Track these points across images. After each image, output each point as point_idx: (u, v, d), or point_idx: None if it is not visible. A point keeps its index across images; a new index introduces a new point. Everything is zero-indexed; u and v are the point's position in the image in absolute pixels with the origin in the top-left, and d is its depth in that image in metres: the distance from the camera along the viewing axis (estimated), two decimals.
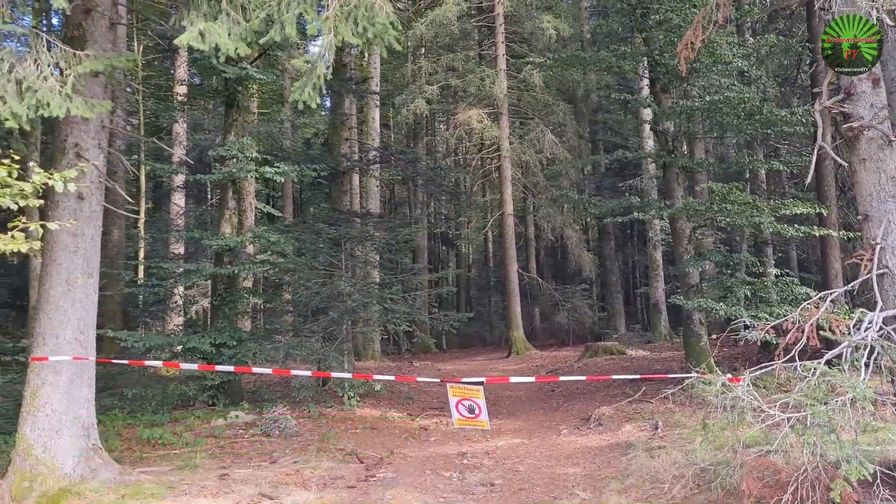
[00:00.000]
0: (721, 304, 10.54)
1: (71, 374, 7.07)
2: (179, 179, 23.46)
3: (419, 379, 7.48)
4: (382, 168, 19.12)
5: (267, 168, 13.32)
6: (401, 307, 12.90)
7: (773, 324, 6.13)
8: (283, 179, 13.34)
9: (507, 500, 6.86)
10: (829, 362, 5.53)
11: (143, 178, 26.08)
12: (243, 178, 14.27)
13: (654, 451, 7.66)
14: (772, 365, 5.73)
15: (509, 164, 24.51)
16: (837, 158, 7.14)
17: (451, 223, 38.67)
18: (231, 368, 9.36)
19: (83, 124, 7.24)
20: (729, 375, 5.74)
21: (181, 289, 18.13)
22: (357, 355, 21.64)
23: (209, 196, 25.78)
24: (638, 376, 11.56)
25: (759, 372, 5.82)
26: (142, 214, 25.27)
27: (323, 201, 18.91)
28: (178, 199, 24.41)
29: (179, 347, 13.22)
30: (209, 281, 14.28)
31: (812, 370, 5.30)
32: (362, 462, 8.59)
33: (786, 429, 5.17)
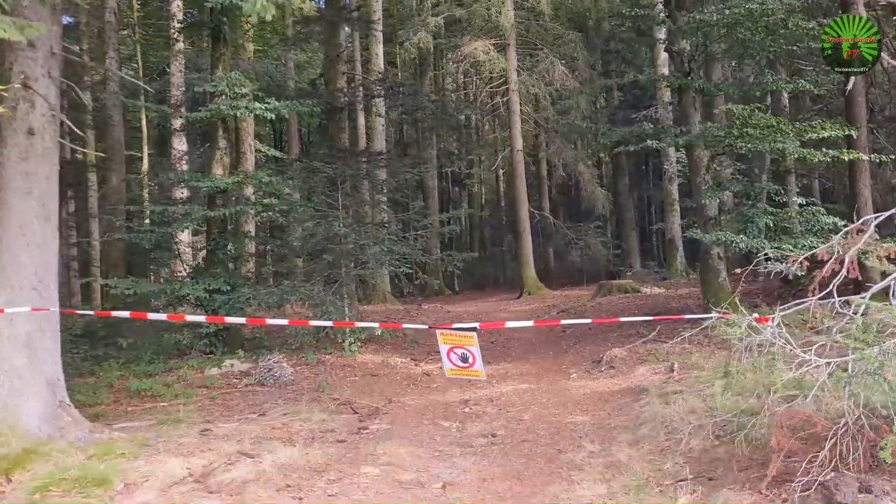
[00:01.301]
0: (741, 236, 9.77)
1: (30, 326, 6.48)
2: (178, 123, 22.66)
3: (406, 326, 6.83)
4: (386, 104, 18.21)
5: (257, 104, 12.56)
6: (401, 248, 12.23)
7: (804, 255, 5.38)
8: (272, 116, 12.57)
9: (507, 453, 6.28)
10: (873, 298, 4.81)
11: (144, 123, 25.41)
12: (234, 116, 13.49)
13: (670, 397, 7.03)
14: (804, 302, 5.00)
15: (518, 97, 23.48)
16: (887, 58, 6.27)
17: (461, 163, 37.78)
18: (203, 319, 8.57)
19: (29, 51, 6.49)
20: (755, 315, 5.02)
21: (187, 235, 17.58)
22: (366, 299, 21.15)
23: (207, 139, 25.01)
24: (650, 317, 10.88)
25: (791, 310, 5.07)
26: (145, 161, 24.63)
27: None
28: (180, 144, 23.57)
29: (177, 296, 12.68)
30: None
31: (859, 307, 4.58)
32: (356, 412, 8.05)
33: (824, 376, 4.48)
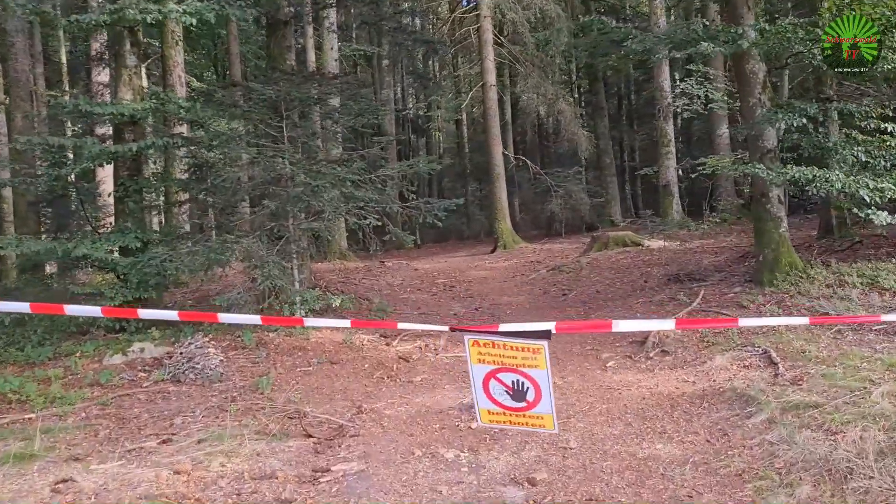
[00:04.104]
0: (836, 172, 7.21)
1: None
2: (96, 47, 18.99)
3: (401, 325, 4.17)
4: (340, 15, 15.06)
5: (174, 6, 9.52)
6: (367, 193, 9.42)
7: None
8: (192, 21, 9.50)
9: None
10: None
11: (63, 53, 21.86)
12: (147, 22, 10.34)
13: (803, 413, 4.49)
14: None
15: (490, 24, 20.50)
16: None
17: (420, 107, 34.76)
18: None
19: None
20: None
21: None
22: (321, 255, 18.30)
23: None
24: (699, 284, 8.32)
25: None
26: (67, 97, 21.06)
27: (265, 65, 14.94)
28: (99, 76, 19.88)
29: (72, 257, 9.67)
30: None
31: None
32: (310, 435, 5.33)
33: None
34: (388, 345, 8.60)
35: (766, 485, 3.79)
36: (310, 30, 17.15)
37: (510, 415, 3.00)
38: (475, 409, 3.15)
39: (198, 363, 7.49)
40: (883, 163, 8.04)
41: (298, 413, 5.88)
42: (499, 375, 2.92)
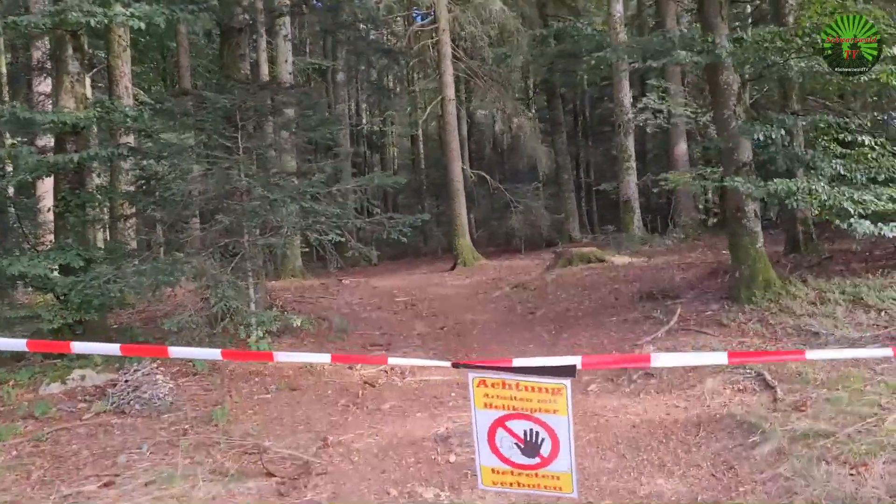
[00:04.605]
0: (822, 184, 6.97)
1: None
2: (39, 56, 18.07)
3: (393, 360, 3.68)
4: (295, 24, 14.52)
5: (120, 9, 8.92)
6: (327, 208, 8.90)
7: None
8: (140, 24, 8.91)
9: None
10: None
11: (2, 63, 20.82)
12: (90, 26, 9.69)
13: (814, 444, 4.14)
14: None
15: (448, 38, 20.19)
16: None
17: (376, 122, 34.31)
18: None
19: None
20: None
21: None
22: (275, 273, 17.65)
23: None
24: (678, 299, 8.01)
25: None
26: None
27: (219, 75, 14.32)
28: (40, 85, 18.92)
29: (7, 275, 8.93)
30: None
31: None
32: (272, 475, 4.80)
33: None
34: (351, 368, 8.09)
35: None
36: (263, 42, 16.59)
37: (519, 475, 2.50)
38: (476, 468, 2.62)
39: (145, 392, 6.87)
40: (859, 176, 7.86)
41: (258, 448, 5.33)
42: (508, 423, 2.45)
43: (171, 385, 7.07)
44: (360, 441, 5.57)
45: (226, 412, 6.26)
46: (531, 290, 13.39)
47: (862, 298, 7.23)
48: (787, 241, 12.15)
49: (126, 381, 7.13)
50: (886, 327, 6.45)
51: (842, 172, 7.40)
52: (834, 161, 7.49)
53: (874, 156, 7.45)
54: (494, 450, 2.50)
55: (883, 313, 6.85)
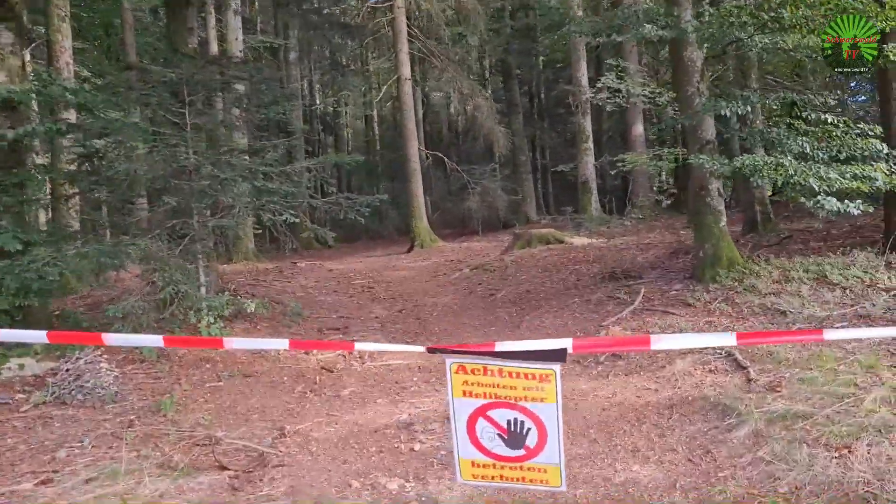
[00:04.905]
0: (789, 158, 6.89)
1: None
2: None
3: (360, 346, 3.60)
4: None
5: None
6: (282, 187, 8.54)
7: None
8: None
9: None
10: None
11: None
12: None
13: (793, 425, 4.02)
14: None
15: (404, 15, 19.80)
16: None
17: (329, 103, 33.67)
18: None
19: None
20: None
21: None
22: (227, 256, 17.13)
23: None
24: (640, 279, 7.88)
25: None
26: None
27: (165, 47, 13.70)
28: None
29: None
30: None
31: None
32: (225, 468, 4.51)
33: None
34: (307, 353, 7.79)
35: None
36: (212, 20, 16.01)
37: (502, 467, 2.28)
38: (454, 462, 2.37)
39: (87, 381, 6.48)
40: (821, 154, 7.80)
41: (209, 439, 5.02)
42: (490, 413, 2.22)
43: (116, 373, 6.68)
44: (318, 430, 5.30)
45: (174, 401, 5.92)
46: (491, 272, 13.21)
47: (826, 277, 7.20)
48: (745, 221, 12.18)
49: (67, 369, 6.72)
50: (853, 305, 6.41)
51: (807, 150, 7.32)
52: (799, 139, 7.41)
53: (838, 133, 7.38)
54: (475, 441, 2.27)
55: (848, 291, 6.82)
